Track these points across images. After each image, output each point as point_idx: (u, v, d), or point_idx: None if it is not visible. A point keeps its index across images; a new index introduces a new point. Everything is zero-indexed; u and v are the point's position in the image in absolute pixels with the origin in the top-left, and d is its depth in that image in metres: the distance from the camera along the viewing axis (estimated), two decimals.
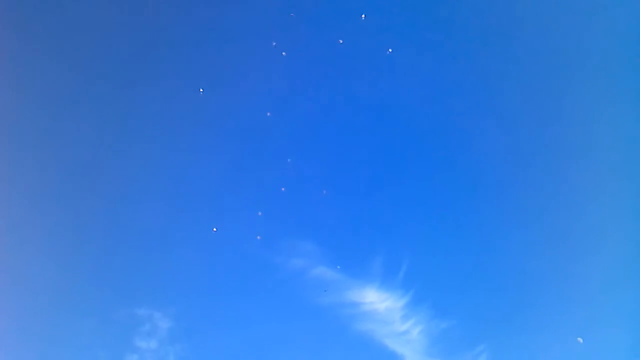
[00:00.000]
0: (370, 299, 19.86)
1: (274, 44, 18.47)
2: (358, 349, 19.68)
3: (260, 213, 19.30)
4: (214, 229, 19.08)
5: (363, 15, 18.06)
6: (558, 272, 19.19)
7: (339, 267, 19.63)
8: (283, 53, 18.07)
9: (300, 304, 20.18)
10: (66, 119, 19.86)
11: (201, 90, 19.07)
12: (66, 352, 19.31)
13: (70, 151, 19.86)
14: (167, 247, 20.28)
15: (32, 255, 19.69)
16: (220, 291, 20.69)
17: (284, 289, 20.29)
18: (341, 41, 18.32)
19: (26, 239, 19.69)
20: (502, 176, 20.32)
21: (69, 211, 19.90)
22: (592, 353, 17.77)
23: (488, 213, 20.42)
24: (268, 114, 19.65)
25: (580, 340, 17.67)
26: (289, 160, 19.58)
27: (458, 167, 20.49)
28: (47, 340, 19.34)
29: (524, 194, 20.17)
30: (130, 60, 20.27)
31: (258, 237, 19.07)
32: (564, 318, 18.76)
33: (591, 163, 19.43)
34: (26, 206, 19.74)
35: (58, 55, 19.52)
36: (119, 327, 19.55)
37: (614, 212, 19.09)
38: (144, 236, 20.14)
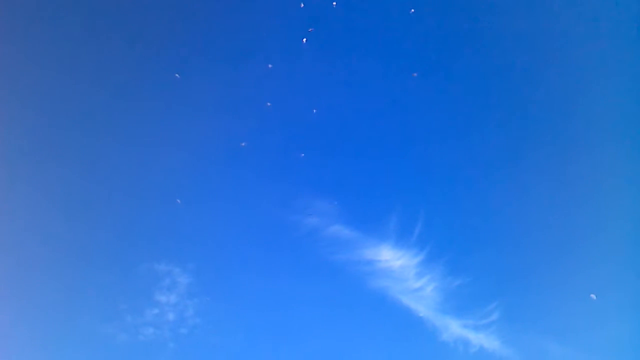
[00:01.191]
0: (386, 256, 20.18)
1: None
2: (373, 304, 20.17)
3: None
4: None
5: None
6: (571, 230, 19.31)
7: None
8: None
9: (316, 261, 20.58)
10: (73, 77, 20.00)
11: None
12: (90, 306, 20.03)
13: (91, 112, 20.09)
14: (186, 205, 20.63)
15: (58, 214, 20.20)
16: (238, 249, 21.15)
17: (300, 246, 20.68)
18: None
19: (52, 199, 20.14)
20: (517, 136, 20.22)
21: (93, 171, 20.27)
22: (605, 310, 18.09)
23: (502, 174, 20.41)
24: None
25: (593, 297, 17.89)
26: (314, 110, 19.69)
27: (473, 127, 20.40)
28: (72, 294, 20.03)
29: (537, 155, 20.10)
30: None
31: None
32: (577, 275, 18.97)
33: (607, 123, 19.24)
34: (51, 168, 20.13)
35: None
36: (140, 282, 20.15)
37: (631, 171, 19.04)
38: (164, 194, 20.47)
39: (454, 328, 19.42)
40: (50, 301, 19.74)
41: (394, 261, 20.12)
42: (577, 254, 19.08)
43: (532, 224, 19.76)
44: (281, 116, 20.73)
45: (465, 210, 20.41)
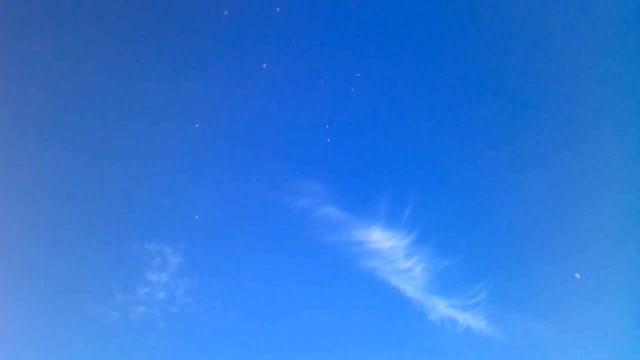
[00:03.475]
0: (375, 238, 20.42)
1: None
2: (363, 284, 20.43)
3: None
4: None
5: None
6: (557, 212, 19.65)
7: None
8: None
9: (307, 241, 20.78)
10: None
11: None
12: (81, 284, 20.08)
13: (83, 93, 20.09)
14: (176, 185, 20.76)
15: (51, 194, 20.21)
16: (229, 229, 21.29)
17: (291, 227, 20.86)
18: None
19: (45, 179, 20.16)
20: (507, 120, 20.49)
21: (85, 152, 20.30)
22: (589, 288, 18.48)
23: (491, 157, 20.70)
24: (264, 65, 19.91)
25: (577, 275, 18.25)
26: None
27: (463, 111, 20.66)
28: (64, 273, 20.08)
29: (525, 139, 20.38)
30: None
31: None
32: (562, 257, 19.31)
33: (599, 112, 19.55)
34: (45, 149, 20.13)
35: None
36: (132, 261, 20.22)
37: (615, 156, 19.39)
38: (155, 174, 20.58)
39: (441, 308, 19.74)
40: (41, 280, 19.77)
41: (383, 242, 20.39)
42: (563, 236, 19.46)
43: (519, 207, 20.10)
44: (274, 99, 20.94)
45: (454, 193, 20.74)
